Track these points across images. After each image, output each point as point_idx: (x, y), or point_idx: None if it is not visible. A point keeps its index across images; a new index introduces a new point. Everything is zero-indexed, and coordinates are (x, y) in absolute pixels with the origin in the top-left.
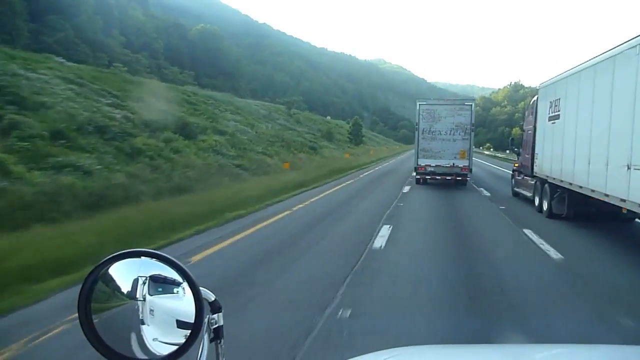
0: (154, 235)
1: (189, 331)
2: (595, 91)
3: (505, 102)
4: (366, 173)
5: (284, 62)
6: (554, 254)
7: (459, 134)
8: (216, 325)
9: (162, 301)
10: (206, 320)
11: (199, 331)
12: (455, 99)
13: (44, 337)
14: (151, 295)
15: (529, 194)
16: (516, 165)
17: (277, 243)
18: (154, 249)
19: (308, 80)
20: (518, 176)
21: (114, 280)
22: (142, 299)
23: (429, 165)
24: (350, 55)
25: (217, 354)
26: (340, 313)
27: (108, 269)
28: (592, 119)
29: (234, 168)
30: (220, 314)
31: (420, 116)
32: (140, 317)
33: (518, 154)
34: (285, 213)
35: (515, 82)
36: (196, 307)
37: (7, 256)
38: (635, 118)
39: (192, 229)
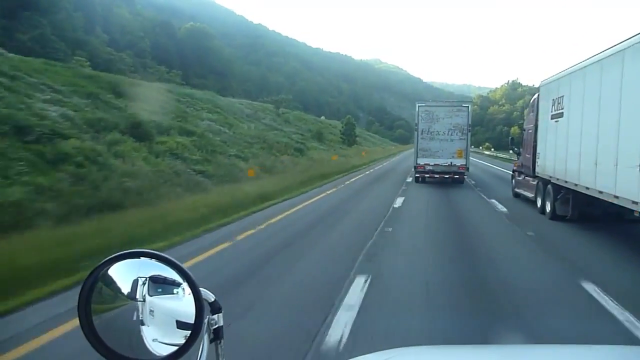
0: None
1: (189, 332)
2: (602, 87)
3: (503, 101)
4: (354, 179)
5: (278, 62)
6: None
7: (456, 135)
8: (216, 326)
9: (162, 302)
10: (206, 320)
11: (199, 332)
12: (453, 101)
13: None
14: (151, 296)
15: (530, 195)
16: (516, 165)
17: None
18: None
19: (303, 81)
20: (518, 176)
21: (114, 281)
22: (142, 300)
23: (428, 164)
24: (345, 55)
25: (217, 355)
26: None
27: (108, 270)
28: (599, 116)
29: (195, 175)
30: (220, 314)
31: (420, 117)
32: (140, 318)
33: (518, 154)
34: (209, 253)
35: (513, 81)
36: (196, 307)
37: None
38: None
39: (39, 290)
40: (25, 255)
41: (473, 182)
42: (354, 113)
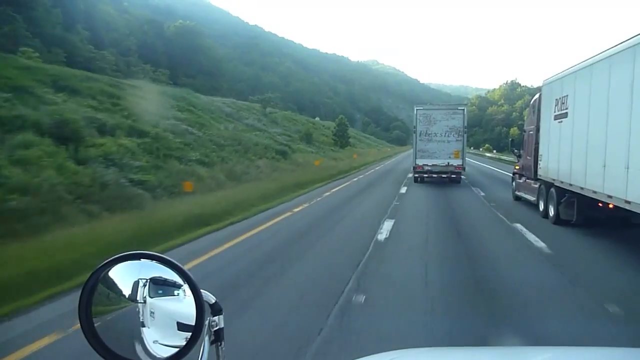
0: None
1: (190, 334)
2: (611, 85)
3: (502, 101)
4: (336, 189)
5: (273, 62)
6: None
7: (453, 136)
8: (217, 328)
9: (162, 303)
10: (207, 322)
11: (200, 333)
12: (449, 104)
13: None
14: (152, 298)
15: (532, 198)
16: (517, 167)
17: None
18: None
19: (298, 81)
20: (519, 179)
21: (115, 283)
22: (142, 302)
23: (426, 165)
24: (342, 56)
25: (218, 357)
26: None
27: (108, 271)
28: (608, 116)
29: (131, 187)
30: (221, 316)
31: (418, 120)
32: (141, 320)
33: (519, 156)
34: None
35: (512, 81)
36: (197, 309)
37: None
38: None
39: None
40: None
41: (483, 194)
42: (351, 114)
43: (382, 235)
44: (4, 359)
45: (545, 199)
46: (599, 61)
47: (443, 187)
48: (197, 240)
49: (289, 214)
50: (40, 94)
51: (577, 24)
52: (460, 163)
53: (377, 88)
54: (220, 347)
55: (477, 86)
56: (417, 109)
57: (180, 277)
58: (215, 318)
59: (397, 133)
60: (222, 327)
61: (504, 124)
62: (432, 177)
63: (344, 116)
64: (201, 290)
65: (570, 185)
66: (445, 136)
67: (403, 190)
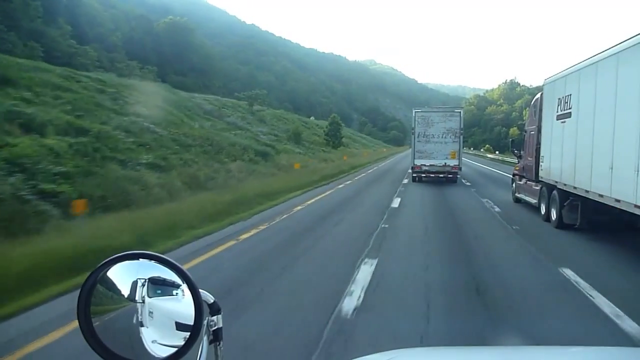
0: None
1: (188, 333)
2: (618, 83)
3: (502, 101)
4: (311, 201)
5: (269, 61)
6: None
7: (450, 137)
8: (215, 327)
9: (161, 303)
10: (205, 322)
11: (198, 333)
12: (446, 107)
13: None
14: (150, 298)
15: (533, 201)
16: (517, 168)
17: None
18: None
19: (294, 81)
20: (519, 180)
21: (113, 283)
22: (141, 301)
23: (424, 165)
24: (339, 55)
25: (217, 356)
26: None
27: (106, 271)
28: (615, 116)
29: (38, 201)
30: (220, 315)
31: (416, 122)
32: (140, 320)
33: (519, 157)
34: None
35: (511, 80)
36: (195, 309)
37: None
38: None
39: None
40: None
41: (498, 210)
42: (348, 114)
43: (351, 302)
44: None
45: (547, 202)
46: (605, 58)
47: (448, 200)
48: None
49: (230, 244)
50: None
51: (575, 22)
52: (457, 163)
53: (375, 88)
54: (218, 347)
55: (475, 86)
56: (415, 111)
57: (178, 276)
58: (214, 318)
59: (395, 133)
60: (221, 327)
61: (504, 124)
62: (430, 176)
63: (341, 116)
64: (200, 290)
65: (575, 188)
66: (442, 137)
67: (395, 203)
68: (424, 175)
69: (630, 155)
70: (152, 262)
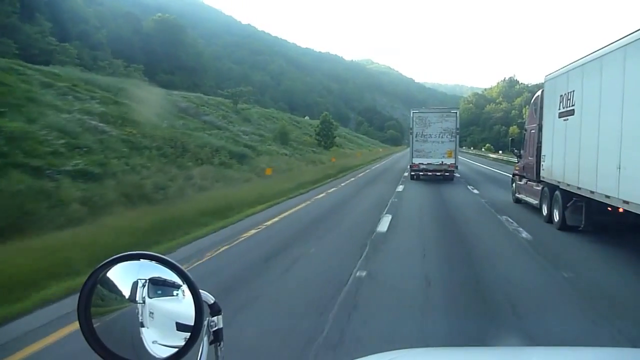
0: None
1: (189, 334)
2: (626, 78)
3: (500, 99)
4: (274, 220)
5: (264, 60)
6: None
7: (447, 137)
8: (216, 328)
9: (161, 304)
10: (206, 322)
11: (199, 334)
12: (443, 107)
13: None
14: (151, 298)
15: (534, 202)
16: (517, 168)
17: None
18: None
19: (290, 80)
20: (520, 180)
21: (114, 284)
22: (141, 302)
23: (422, 163)
24: (336, 55)
25: (217, 357)
26: None
27: (107, 272)
28: (623, 112)
29: None
30: (220, 316)
31: (414, 122)
32: (140, 320)
33: (519, 156)
34: None
35: (510, 77)
36: (196, 309)
37: None
38: None
39: None
40: None
41: (527, 237)
42: (344, 113)
43: None
44: None
45: (549, 203)
46: (611, 52)
47: (454, 217)
48: None
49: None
50: None
51: (573, 19)
52: (453, 162)
53: (372, 87)
54: (219, 347)
55: (472, 85)
56: (413, 112)
57: (179, 277)
58: (214, 318)
59: (392, 133)
60: (221, 328)
61: (503, 123)
62: (427, 174)
63: (338, 115)
64: (200, 290)
65: (579, 188)
66: (439, 137)
67: (384, 223)
68: (421, 173)
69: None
70: (153, 262)
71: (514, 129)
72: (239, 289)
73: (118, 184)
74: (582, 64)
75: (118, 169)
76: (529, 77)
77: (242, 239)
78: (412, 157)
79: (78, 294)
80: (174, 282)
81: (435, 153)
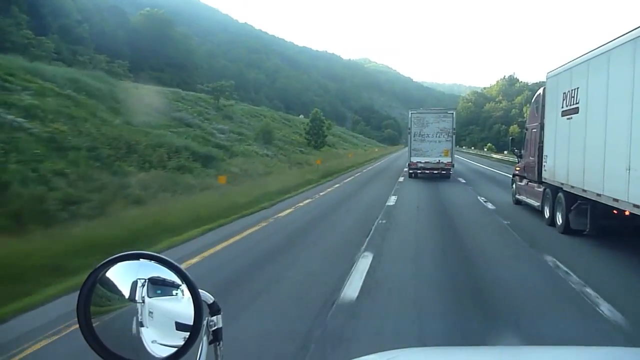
0: None
1: (188, 333)
2: (636, 72)
3: (500, 97)
4: (194, 260)
5: (259, 59)
6: None
7: (443, 137)
8: (215, 328)
9: (161, 303)
10: (205, 322)
11: (198, 333)
12: (440, 109)
13: None
14: (150, 298)
15: (535, 204)
16: (517, 168)
17: None
18: None
19: (285, 78)
20: (520, 181)
21: (113, 283)
22: (141, 302)
23: (420, 162)
24: (333, 54)
25: (216, 356)
26: None
27: (106, 272)
28: (633, 110)
29: None
30: (219, 316)
31: (412, 122)
32: (140, 320)
33: (519, 156)
34: None
35: (509, 76)
36: (195, 309)
37: None
38: None
39: None
40: None
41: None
42: (341, 112)
43: None
44: None
45: (551, 205)
46: (619, 46)
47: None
48: None
49: None
50: None
51: (573, 15)
52: (450, 160)
53: (369, 86)
54: (218, 347)
55: (470, 84)
56: (411, 113)
57: (178, 277)
58: (214, 318)
59: (389, 132)
60: (221, 327)
61: (503, 122)
62: (425, 172)
63: (334, 114)
64: (199, 290)
65: (584, 190)
66: (436, 137)
67: (357, 279)
68: (419, 171)
69: None
70: (152, 262)
71: (514, 128)
72: None
73: (5, 199)
74: (588, 59)
75: (16, 177)
76: (529, 75)
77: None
78: (411, 156)
79: (78, 293)
80: (173, 282)
81: (432, 152)
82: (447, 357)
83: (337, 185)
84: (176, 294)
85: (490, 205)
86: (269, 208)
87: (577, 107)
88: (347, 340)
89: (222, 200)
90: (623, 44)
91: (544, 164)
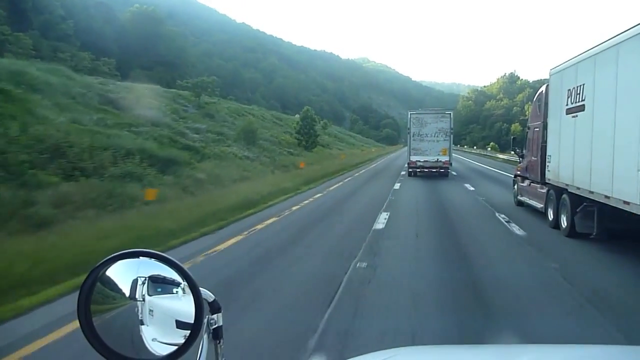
0: None
1: (189, 331)
2: None
3: (501, 95)
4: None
5: (255, 58)
6: None
7: (441, 136)
8: (215, 326)
9: (161, 301)
10: (205, 320)
11: (199, 331)
12: (438, 109)
13: None
14: (150, 296)
15: (538, 205)
16: (519, 168)
17: None
18: None
19: (282, 78)
20: (522, 182)
21: (113, 281)
22: (141, 300)
23: (419, 161)
24: (331, 53)
25: (217, 354)
26: None
27: (106, 270)
28: None
29: None
30: (220, 314)
31: (411, 123)
32: (140, 318)
33: (521, 156)
34: None
35: (510, 73)
36: (196, 307)
37: None
38: None
39: None
40: None
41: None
42: (339, 112)
43: None
44: None
45: (555, 207)
46: (629, 39)
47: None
48: None
49: None
50: None
51: (575, 13)
52: (448, 159)
53: (368, 86)
54: (219, 345)
55: (469, 83)
56: (410, 113)
57: (179, 275)
58: (214, 316)
59: (388, 131)
60: (221, 325)
61: (504, 120)
62: (424, 171)
63: (333, 114)
64: (200, 288)
65: (591, 192)
66: (434, 136)
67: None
68: (418, 170)
69: None
70: (152, 260)
71: (516, 127)
72: None
73: None
74: (594, 54)
75: None
76: (529, 73)
77: None
78: (410, 155)
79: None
80: (173, 280)
81: (431, 151)
82: (444, 356)
83: (317, 196)
84: (176, 292)
85: (504, 217)
86: (208, 235)
87: (583, 105)
88: None
89: (146, 222)
90: (634, 36)
91: (547, 164)
